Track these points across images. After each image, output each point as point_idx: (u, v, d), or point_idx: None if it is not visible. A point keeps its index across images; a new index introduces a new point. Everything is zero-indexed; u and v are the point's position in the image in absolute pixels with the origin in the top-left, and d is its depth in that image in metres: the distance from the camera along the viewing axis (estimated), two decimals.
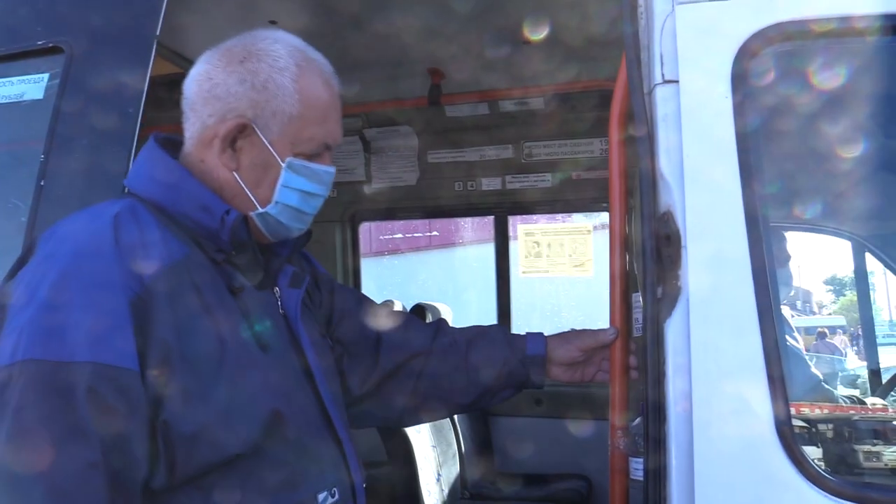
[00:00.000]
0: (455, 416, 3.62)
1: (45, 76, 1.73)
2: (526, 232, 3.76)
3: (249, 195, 1.23)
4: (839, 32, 1.26)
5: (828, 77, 1.32)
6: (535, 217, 4.23)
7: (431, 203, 3.95)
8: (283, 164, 1.22)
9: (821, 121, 1.34)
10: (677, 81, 1.32)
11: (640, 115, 1.35)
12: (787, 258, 2.44)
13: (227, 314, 1.15)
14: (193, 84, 1.23)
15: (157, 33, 1.71)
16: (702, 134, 1.27)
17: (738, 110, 1.27)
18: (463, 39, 2.84)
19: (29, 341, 0.99)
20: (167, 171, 1.22)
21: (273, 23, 2.64)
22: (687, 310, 1.24)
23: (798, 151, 1.32)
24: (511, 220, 3.95)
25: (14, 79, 1.77)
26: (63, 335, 0.99)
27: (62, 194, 1.60)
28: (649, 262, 1.29)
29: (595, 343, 1.57)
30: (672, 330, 1.25)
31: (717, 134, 1.26)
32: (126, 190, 1.28)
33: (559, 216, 4.25)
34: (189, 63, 3.09)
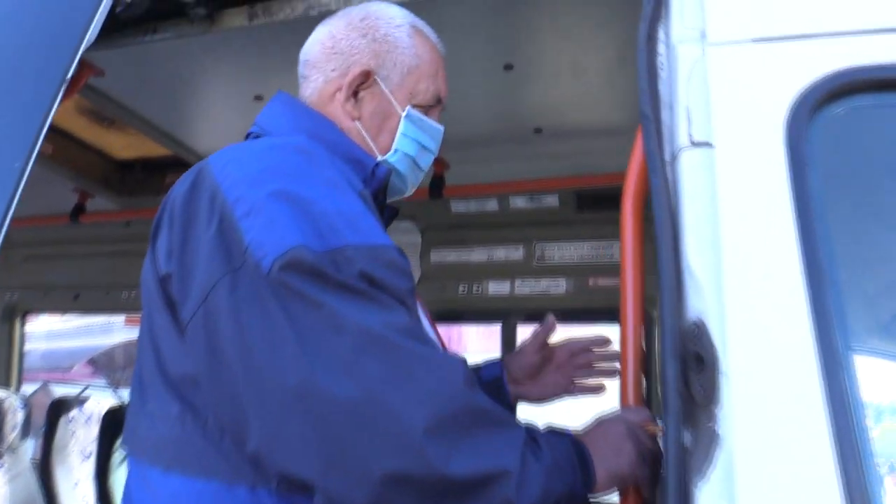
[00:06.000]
0: None
1: None
2: None
3: (371, 144, 1.26)
4: None
5: None
6: None
7: (433, 307, 3.57)
8: (403, 114, 1.27)
9: None
10: (711, 145, 0.97)
11: (659, 190, 0.99)
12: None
13: None
14: (315, 45, 1.30)
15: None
16: (748, 213, 0.90)
17: (799, 181, 0.90)
18: (469, 125, 2.56)
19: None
20: (314, 122, 1.24)
21: (259, 98, 2.40)
22: (731, 468, 0.82)
23: (885, 237, 0.93)
24: (520, 328, 3.54)
25: None
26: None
27: None
28: (672, 393, 0.89)
29: (542, 336, 1.51)
30: (707, 497, 0.84)
31: (770, 213, 0.89)
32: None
33: (573, 326, 3.83)
34: (180, 146, 2.92)
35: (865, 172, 0.96)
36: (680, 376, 0.89)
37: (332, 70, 1.27)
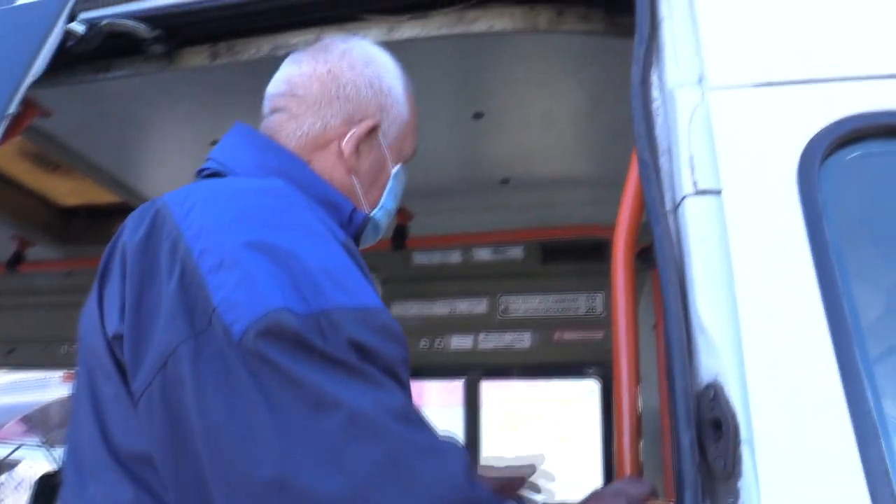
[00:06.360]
0: None
1: None
2: (501, 399, 3.23)
3: (362, 199, 1.19)
4: None
5: None
6: (511, 382, 3.71)
7: None
8: (393, 171, 1.22)
9: None
10: (718, 191, 0.91)
11: (663, 239, 0.93)
12: None
13: None
14: (313, 81, 1.17)
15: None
16: (765, 263, 0.84)
17: (814, 229, 0.84)
18: (435, 174, 2.50)
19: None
20: (281, 159, 1.11)
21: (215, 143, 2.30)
22: None
23: None
24: (484, 384, 3.43)
25: None
26: None
27: None
28: (688, 465, 0.80)
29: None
30: None
31: (788, 263, 0.83)
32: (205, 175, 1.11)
33: (539, 382, 3.75)
34: (130, 193, 2.78)
35: (881, 220, 0.91)
36: (696, 446, 0.81)
37: (333, 116, 1.16)
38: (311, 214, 0.92)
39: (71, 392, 0.99)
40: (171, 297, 0.81)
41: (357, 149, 1.16)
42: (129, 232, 0.92)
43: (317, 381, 0.75)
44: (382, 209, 1.23)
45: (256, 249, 0.82)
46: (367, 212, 1.19)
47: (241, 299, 0.78)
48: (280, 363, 0.75)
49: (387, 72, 1.21)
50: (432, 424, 0.82)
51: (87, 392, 0.92)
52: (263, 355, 0.75)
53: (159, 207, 0.92)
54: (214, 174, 1.09)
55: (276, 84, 1.20)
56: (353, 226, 1.12)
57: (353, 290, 0.84)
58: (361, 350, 0.80)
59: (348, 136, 1.15)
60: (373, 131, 1.17)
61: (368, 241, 1.25)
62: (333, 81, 1.17)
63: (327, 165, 1.15)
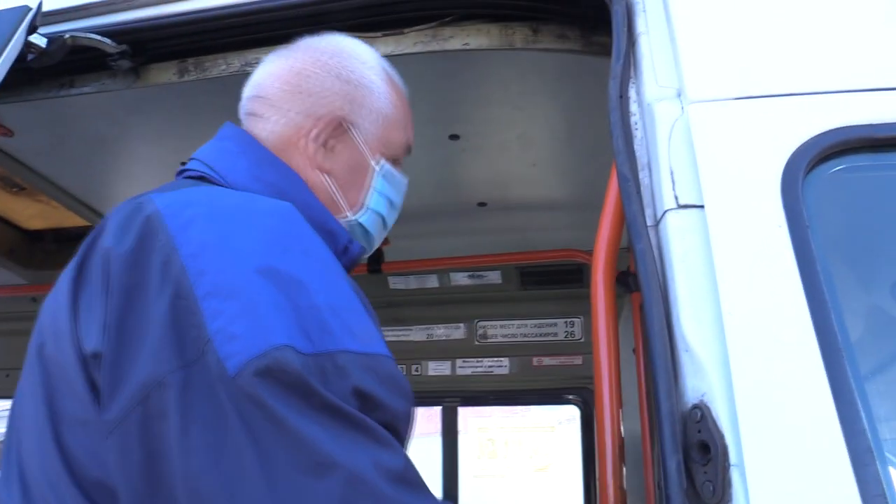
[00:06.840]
0: None
1: None
2: (479, 427, 3.18)
3: (340, 200, 1.10)
4: None
5: None
6: (489, 409, 3.66)
7: None
8: (377, 168, 1.12)
9: None
10: (701, 206, 0.88)
11: (645, 255, 0.89)
12: None
13: None
14: (273, 80, 1.10)
15: None
16: (751, 279, 0.80)
17: (800, 243, 0.81)
18: (411, 197, 2.46)
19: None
20: (280, 175, 1.04)
21: (184, 163, 2.25)
22: None
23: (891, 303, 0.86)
24: (462, 411, 3.38)
25: None
26: None
27: None
28: (676, 491, 0.76)
29: None
30: None
31: (774, 278, 0.80)
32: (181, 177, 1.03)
33: (518, 409, 3.69)
34: (98, 216, 2.71)
35: (866, 232, 0.89)
36: (683, 470, 0.77)
37: (297, 113, 1.08)
38: (322, 245, 0.85)
39: (12, 404, 0.90)
40: (160, 321, 0.73)
41: (325, 145, 1.09)
42: (114, 237, 0.82)
43: (314, 434, 0.69)
44: (369, 211, 1.13)
45: (263, 277, 0.75)
46: (348, 214, 1.11)
47: (241, 332, 0.71)
48: (275, 410, 0.68)
49: (358, 62, 1.12)
50: (428, 486, 0.76)
51: (45, 409, 0.82)
52: (258, 398, 0.68)
53: (149, 214, 0.82)
54: (201, 178, 1.01)
55: (247, 87, 1.14)
56: (347, 257, 1.04)
57: (360, 334, 0.77)
58: (365, 400, 0.74)
59: (312, 131, 1.08)
60: (341, 126, 1.09)
61: (364, 247, 1.17)
62: (295, 76, 1.10)
63: (298, 166, 1.07)
